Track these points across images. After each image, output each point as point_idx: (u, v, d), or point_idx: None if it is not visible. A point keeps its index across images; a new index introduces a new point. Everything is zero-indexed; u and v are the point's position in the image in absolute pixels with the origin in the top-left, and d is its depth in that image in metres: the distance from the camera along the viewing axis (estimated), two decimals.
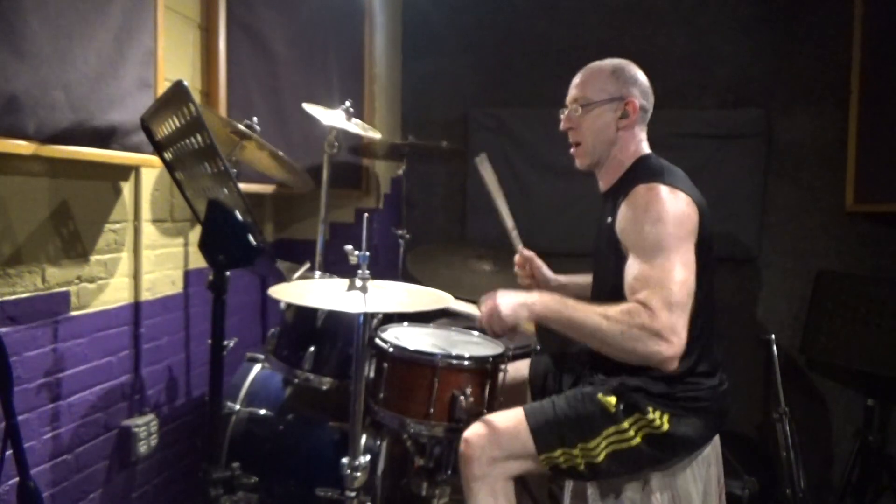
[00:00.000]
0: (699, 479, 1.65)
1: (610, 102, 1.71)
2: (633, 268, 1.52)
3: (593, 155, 1.75)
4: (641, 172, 1.66)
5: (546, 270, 2.09)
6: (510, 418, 1.64)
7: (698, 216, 1.57)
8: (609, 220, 1.66)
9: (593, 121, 1.72)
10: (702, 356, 1.62)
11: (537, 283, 2.10)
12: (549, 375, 1.96)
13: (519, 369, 2.00)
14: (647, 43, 3.17)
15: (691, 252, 1.51)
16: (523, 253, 2.08)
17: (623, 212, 1.60)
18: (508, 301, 1.57)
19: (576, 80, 1.79)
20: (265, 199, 2.97)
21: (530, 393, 1.98)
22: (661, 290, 1.43)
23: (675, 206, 1.53)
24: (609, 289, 1.64)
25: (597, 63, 1.78)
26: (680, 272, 1.46)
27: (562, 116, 1.80)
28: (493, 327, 1.59)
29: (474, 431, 1.64)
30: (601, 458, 1.57)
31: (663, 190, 1.55)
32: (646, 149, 1.75)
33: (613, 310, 1.47)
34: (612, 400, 1.60)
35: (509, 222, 2.09)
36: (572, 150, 1.80)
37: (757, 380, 3.06)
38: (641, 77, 1.75)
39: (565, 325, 1.52)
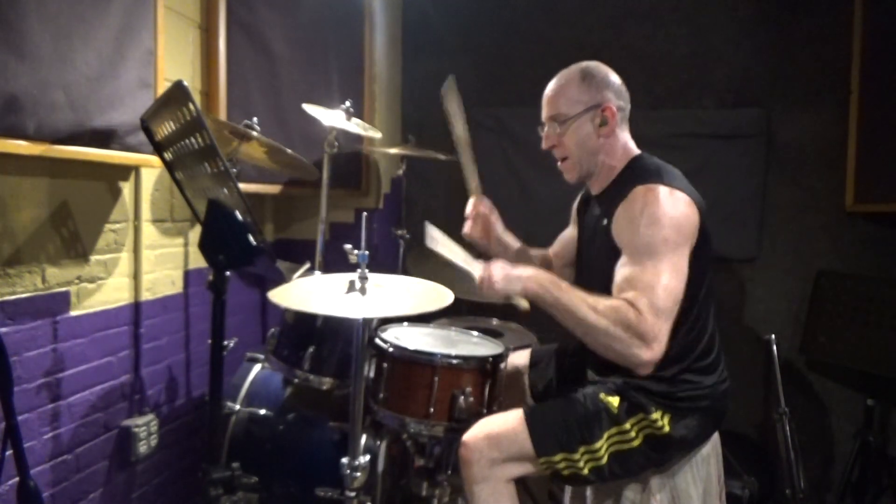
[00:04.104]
0: (699, 479, 1.65)
1: (587, 113, 1.68)
2: (623, 267, 1.52)
3: (581, 167, 1.73)
4: (638, 173, 1.64)
5: (502, 230, 2.01)
6: (509, 421, 1.63)
7: (698, 215, 1.56)
8: (605, 221, 1.64)
9: (574, 134, 1.70)
10: (702, 354, 1.62)
11: (489, 240, 2.01)
12: (549, 379, 1.95)
13: (515, 362, 1.98)
14: (647, 43, 3.16)
15: (684, 258, 1.50)
16: (483, 201, 1.96)
17: (620, 213, 1.58)
18: (503, 272, 1.59)
19: (547, 93, 1.75)
20: (265, 199, 2.97)
21: (530, 394, 1.97)
22: (650, 294, 1.43)
23: (673, 208, 1.51)
24: (598, 291, 1.63)
25: (565, 72, 1.74)
26: (668, 278, 1.45)
27: (542, 134, 1.77)
28: (485, 294, 1.62)
29: (473, 435, 1.63)
30: (605, 459, 1.56)
31: (662, 191, 1.53)
32: (634, 148, 1.74)
33: (603, 303, 1.47)
34: (615, 400, 1.58)
35: (469, 161, 1.95)
36: (559, 165, 1.78)
37: (757, 380, 3.06)
38: (613, 77, 1.72)
39: (552, 306, 1.53)
